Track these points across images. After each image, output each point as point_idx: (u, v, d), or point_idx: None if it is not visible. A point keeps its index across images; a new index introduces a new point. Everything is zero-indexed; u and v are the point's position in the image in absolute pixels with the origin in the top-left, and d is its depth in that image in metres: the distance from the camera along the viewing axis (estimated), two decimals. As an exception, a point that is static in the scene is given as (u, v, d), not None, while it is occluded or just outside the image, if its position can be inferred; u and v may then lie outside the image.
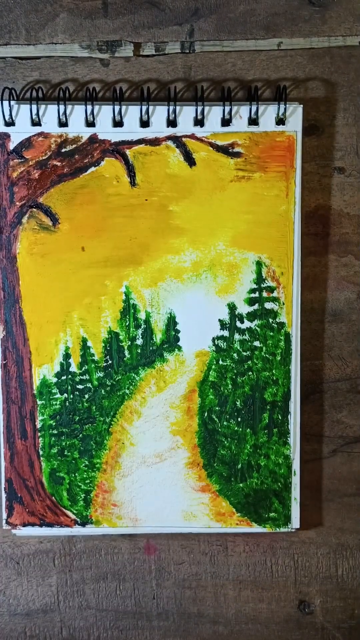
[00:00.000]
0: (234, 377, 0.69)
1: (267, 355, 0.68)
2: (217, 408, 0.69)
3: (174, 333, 0.68)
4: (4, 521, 0.70)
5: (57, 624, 0.72)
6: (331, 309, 0.70)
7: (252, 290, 0.68)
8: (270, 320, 0.68)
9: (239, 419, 0.69)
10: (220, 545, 0.72)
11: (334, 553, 0.73)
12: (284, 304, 0.68)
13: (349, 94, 0.68)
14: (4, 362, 0.68)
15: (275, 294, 0.68)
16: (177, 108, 0.66)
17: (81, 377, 0.69)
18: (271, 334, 0.68)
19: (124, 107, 0.66)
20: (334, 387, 0.71)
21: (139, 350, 0.68)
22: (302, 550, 0.73)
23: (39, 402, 0.69)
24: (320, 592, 0.73)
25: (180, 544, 0.72)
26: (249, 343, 0.68)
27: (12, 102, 0.66)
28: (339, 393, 0.71)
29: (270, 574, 0.73)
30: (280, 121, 0.66)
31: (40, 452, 0.69)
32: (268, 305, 0.68)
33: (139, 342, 0.68)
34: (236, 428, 0.69)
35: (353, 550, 0.73)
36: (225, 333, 0.68)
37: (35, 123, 0.66)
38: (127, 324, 0.68)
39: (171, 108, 0.65)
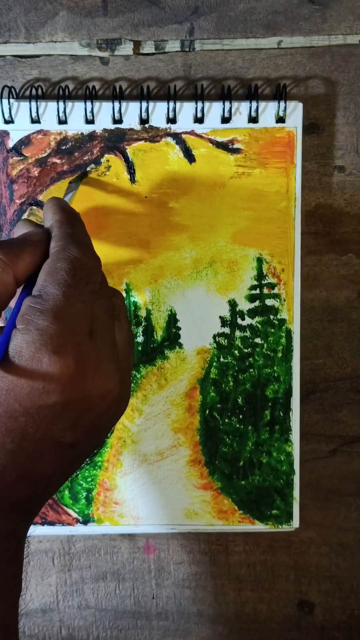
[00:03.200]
0: (235, 374, 0.69)
1: (268, 352, 0.68)
2: (218, 405, 0.69)
3: (174, 330, 0.68)
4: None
5: (56, 623, 0.72)
6: (331, 308, 0.70)
7: (253, 287, 0.68)
8: (271, 316, 0.68)
9: (241, 416, 0.69)
10: (220, 545, 0.72)
11: (334, 553, 0.73)
12: (284, 300, 0.68)
13: (350, 93, 0.68)
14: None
15: (276, 291, 0.68)
16: (177, 106, 0.66)
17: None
18: (272, 330, 0.68)
19: (123, 105, 0.66)
20: (334, 387, 0.71)
21: (140, 348, 0.68)
22: (302, 550, 0.73)
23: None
24: (320, 592, 0.73)
25: (180, 543, 0.72)
26: (250, 340, 0.68)
27: (12, 100, 0.66)
28: (339, 392, 0.71)
29: (270, 574, 0.73)
30: (280, 119, 0.66)
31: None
32: (269, 302, 0.68)
33: (140, 339, 0.68)
34: (238, 425, 0.69)
35: (353, 550, 0.73)
36: (226, 330, 0.68)
37: (35, 121, 0.66)
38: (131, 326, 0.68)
39: (171, 105, 0.65)
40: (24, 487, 0.46)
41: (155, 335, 0.68)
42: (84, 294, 0.48)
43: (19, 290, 0.50)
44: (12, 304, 0.51)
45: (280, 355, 0.68)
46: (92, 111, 0.66)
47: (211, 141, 0.66)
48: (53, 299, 0.46)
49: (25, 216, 0.67)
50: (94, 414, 0.48)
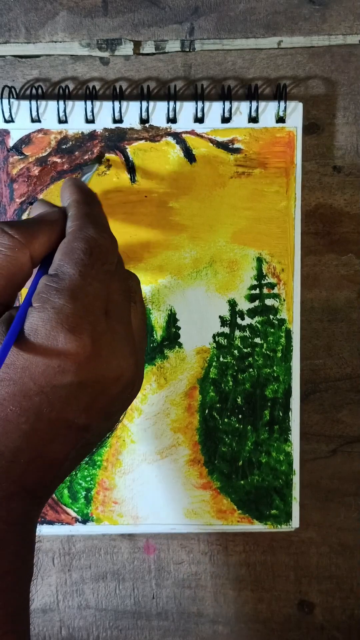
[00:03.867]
0: (234, 374, 0.69)
1: (267, 352, 0.68)
2: (217, 405, 0.69)
3: (174, 330, 0.68)
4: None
5: (56, 623, 0.72)
6: (331, 308, 0.70)
7: (253, 287, 0.68)
8: (271, 316, 0.68)
9: (240, 416, 0.69)
10: (220, 545, 0.72)
11: (334, 553, 0.73)
12: (284, 300, 0.68)
13: (350, 93, 0.68)
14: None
15: (275, 291, 0.68)
16: (177, 105, 0.66)
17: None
18: (272, 330, 0.68)
19: (124, 105, 0.66)
20: (334, 387, 0.71)
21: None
22: (302, 550, 0.73)
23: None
24: (320, 592, 0.73)
25: (180, 543, 0.72)
26: (250, 340, 0.68)
27: (12, 100, 0.66)
28: (339, 392, 0.71)
29: (270, 574, 0.73)
30: (280, 119, 0.66)
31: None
32: (269, 302, 0.68)
33: (140, 339, 0.68)
34: (237, 425, 0.69)
35: (353, 550, 0.73)
36: (226, 330, 0.68)
37: (35, 120, 0.66)
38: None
39: (171, 105, 0.66)
40: (37, 471, 0.46)
41: (154, 335, 0.68)
42: (101, 274, 0.47)
43: (35, 271, 0.50)
44: (28, 285, 0.51)
45: (279, 355, 0.68)
46: (92, 111, 0.66)
47: (211, 141, 0.66)
48: (69, 278, 0.46)
49: (25, 216, 0.67)
50: (108, 396, 0.48)
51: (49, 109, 0.66)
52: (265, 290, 0.68)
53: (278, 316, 0.68)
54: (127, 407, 0.54)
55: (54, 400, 0.45)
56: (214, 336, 0.68)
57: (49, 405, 0.45)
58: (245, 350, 0.68)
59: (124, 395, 0.50)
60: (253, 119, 0.66)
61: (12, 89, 0.66)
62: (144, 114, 0.66)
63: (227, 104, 0.66)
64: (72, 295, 0.45)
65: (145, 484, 0.69)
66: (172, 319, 0.68)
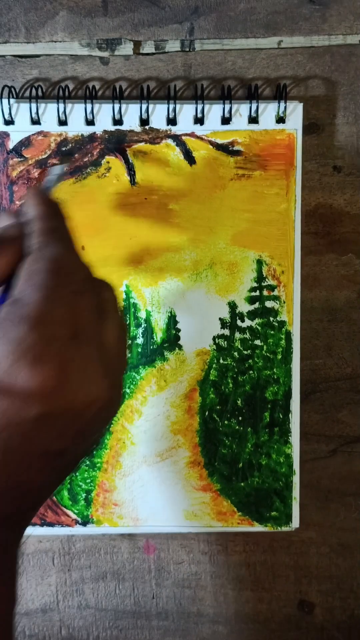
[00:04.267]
0: (234, 375, 0.69)
1: (267, 354, 0.68)
2: (218, 407, 0.69)
3: (174, 332, 0.68)
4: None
5: (56, 623, 0.72)
6: (331, 308, 0.70)
7: (253, 289, 0.68)
8: (271, 318, 0.68)
9: (240, 418, 0.69)
10: (220, 545, 0.72)
11: (334, 553, 0.73)
12: (284, 302, 0.68)
13: (350, 93, 0.68)
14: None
15: (275, 293, 0.68)
16: (177, 106, 0.66)
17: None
18: (272, 332, 0.68)
19: (124, 106, 0.66)
20: (334, 387, 0.71)
21: (139, 349, 0.68)
22: (302, 550, 0.73)
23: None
24: (320, 592, 0.73)
25: (180, 543, 0.72)
26: (250, 342, 0.68)
27: (12, 101, 0.66)
28: (339, 392, 0.71)
29: (270, 574, 0.73)
30: (280, 120, 0.66)
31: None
32: (269, 304, 0.68)
33: (140, 341, 0.68)
34: (237, 427, 0.69)
35: (353, 550, 0.73)
36: (226, 332, 0.68)
37: (35, 122, 0.66)
38: (127, 323, 0.68)
39: (171, 106, 0.65)
40: (13, 500, 0.44)
41: (154, 337, 0.68)
42: (66, 296, 0.44)
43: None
44: None
45: (279, 357, 0.68)
46: (92, 112, 0.65)
47: (211, 143, 0.66)
48: (33, 303, 0.43)
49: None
50: (81, 421, 0.45)
51: (49, 111, 0.66)
52: (265, 293, 0.68)
53: (278, 318, 0.68)
54: (105, 426, 0.52)
55: (23, 432, 0.42)
56: (214, 338, 0.68)
57: (18, 437, 0.42)
58: (245, 352, 0.68)
59: (99, 417, 0.47)
60: (253, 120, 0.66)
61: (12, 89, 0.66)
62: (144, 115, 0.66)
63: (227, 105, 0.66)
64: (36, 322, 0.42)
65: (145, 486, 0.69)
66: (172, 321, 0.68)
